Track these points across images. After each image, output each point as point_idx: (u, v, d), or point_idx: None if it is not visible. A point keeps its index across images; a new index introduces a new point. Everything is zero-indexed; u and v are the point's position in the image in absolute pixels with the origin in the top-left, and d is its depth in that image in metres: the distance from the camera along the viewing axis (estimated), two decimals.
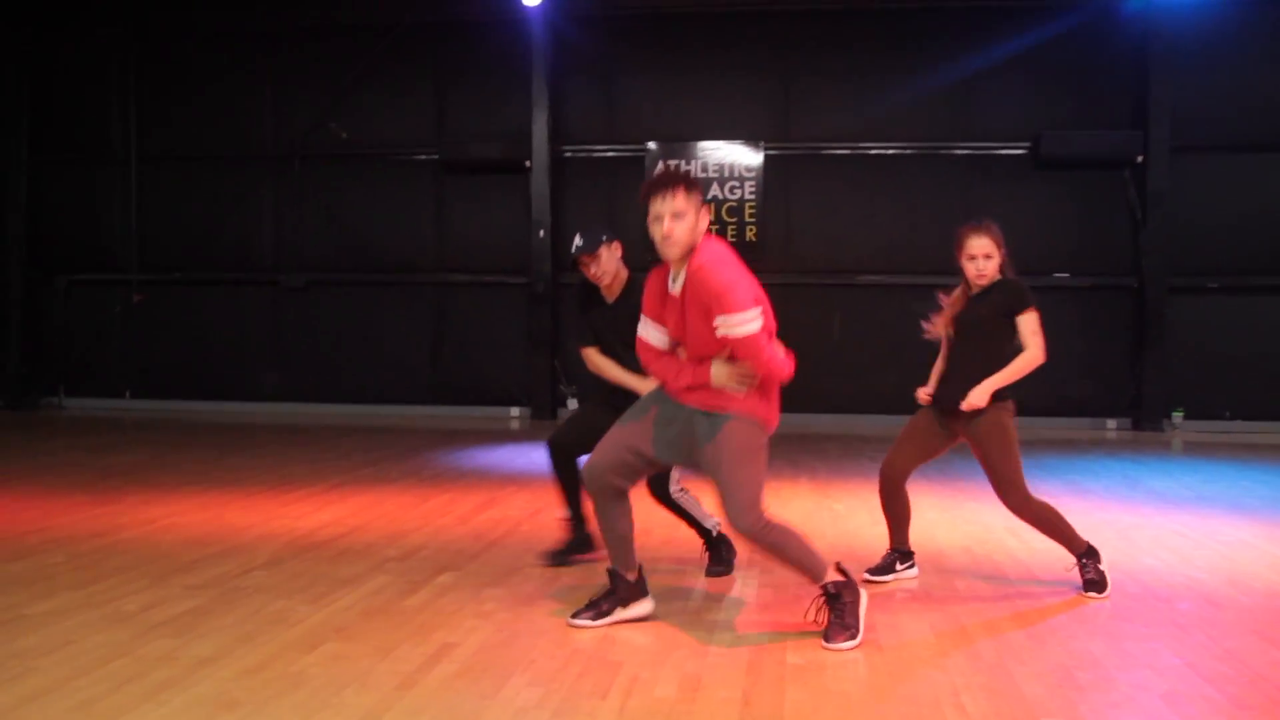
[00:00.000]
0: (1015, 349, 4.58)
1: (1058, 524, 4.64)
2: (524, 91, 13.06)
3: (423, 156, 13.55)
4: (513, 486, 7.51)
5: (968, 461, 7.45)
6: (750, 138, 12.94)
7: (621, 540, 4.10)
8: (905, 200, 12.70)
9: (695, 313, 3.79)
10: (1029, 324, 4.56)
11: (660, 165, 12.76)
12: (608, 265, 4.89)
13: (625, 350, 4.72)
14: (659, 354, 4.02)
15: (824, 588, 3.92)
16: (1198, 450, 10.51)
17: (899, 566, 4.92)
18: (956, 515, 6.57)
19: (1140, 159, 12.20)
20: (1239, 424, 12.25)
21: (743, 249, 12.63)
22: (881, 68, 12.85)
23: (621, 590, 4.12)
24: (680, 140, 13.03)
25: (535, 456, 9.02)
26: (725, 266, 3.75)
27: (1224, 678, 3.56)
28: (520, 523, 6.22)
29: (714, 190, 12.87)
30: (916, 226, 12.50)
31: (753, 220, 12.89)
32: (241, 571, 4.93)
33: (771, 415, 3.94)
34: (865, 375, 12.45)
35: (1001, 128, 12.64)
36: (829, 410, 12.27)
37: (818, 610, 3.97)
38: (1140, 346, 12.25)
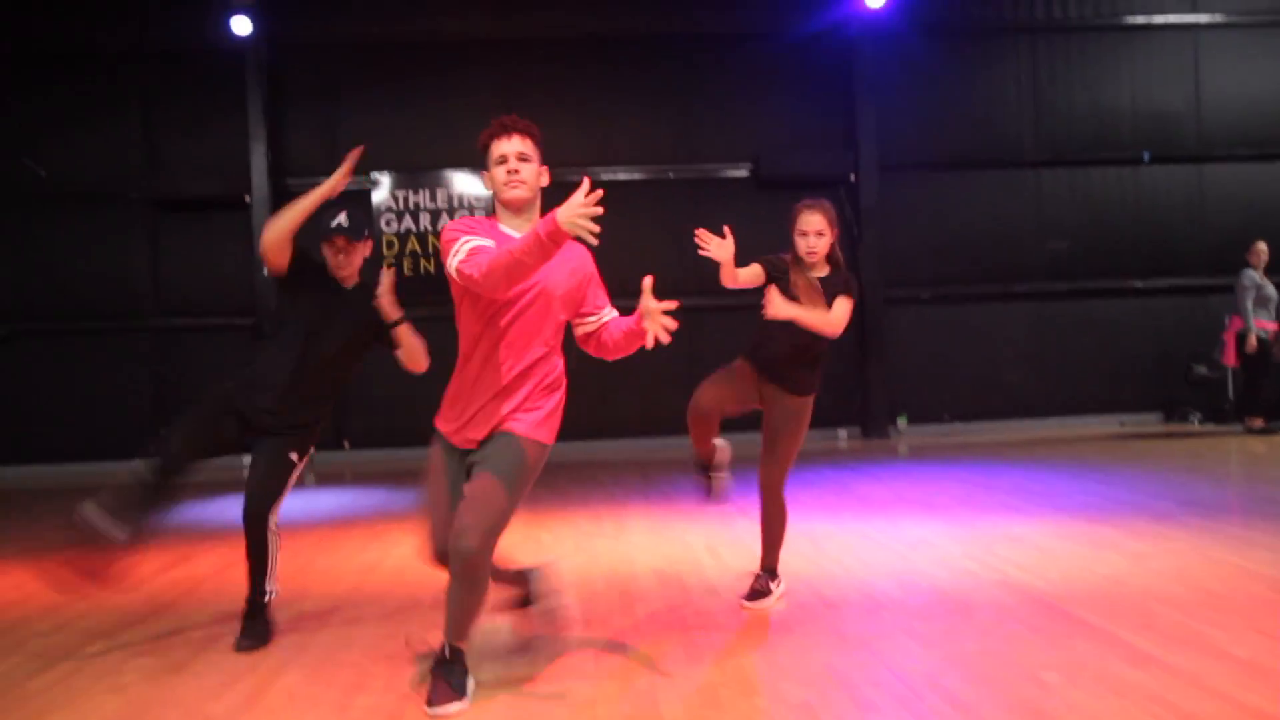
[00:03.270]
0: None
1: (779, 530, 4.73)
2: (241, 123, 12.48)
3: (134, 194, 12.72)
4: (212, 540, 7.05)
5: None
6: (478, 166, 12.75)
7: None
8: (635, 223, 12.85)
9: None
10: (843, 306, 4.58)
11: (388, 199, 12.46)
12: (357, 260, 4.58)
13: (313, 340, 4.45)
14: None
15: (449, 650, 3.54)
16: (919, 454, 11.04)
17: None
18: (660, 536, 6.59)
19: (853, 177, 12.82)
20: (957, 425, 13.00)
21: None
22: (605, 94, 12.99)
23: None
24: (409, 170, 12.77)
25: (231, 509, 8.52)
26: None
27: (865, 682, 3.63)
28: (203, 580, 5.83)
29: (443, 220, 12.66)
30: (648, 249, 12.65)
31: None
32: None
33: (552, 435, 3.75)
34: (609, 398, 12.48)
35: (723, 151, 13.00)
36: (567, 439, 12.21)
37: (433, 668, 3.58)
38: (863, 357, 12.82)
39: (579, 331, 3.84)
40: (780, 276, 4.67)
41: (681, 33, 12.92)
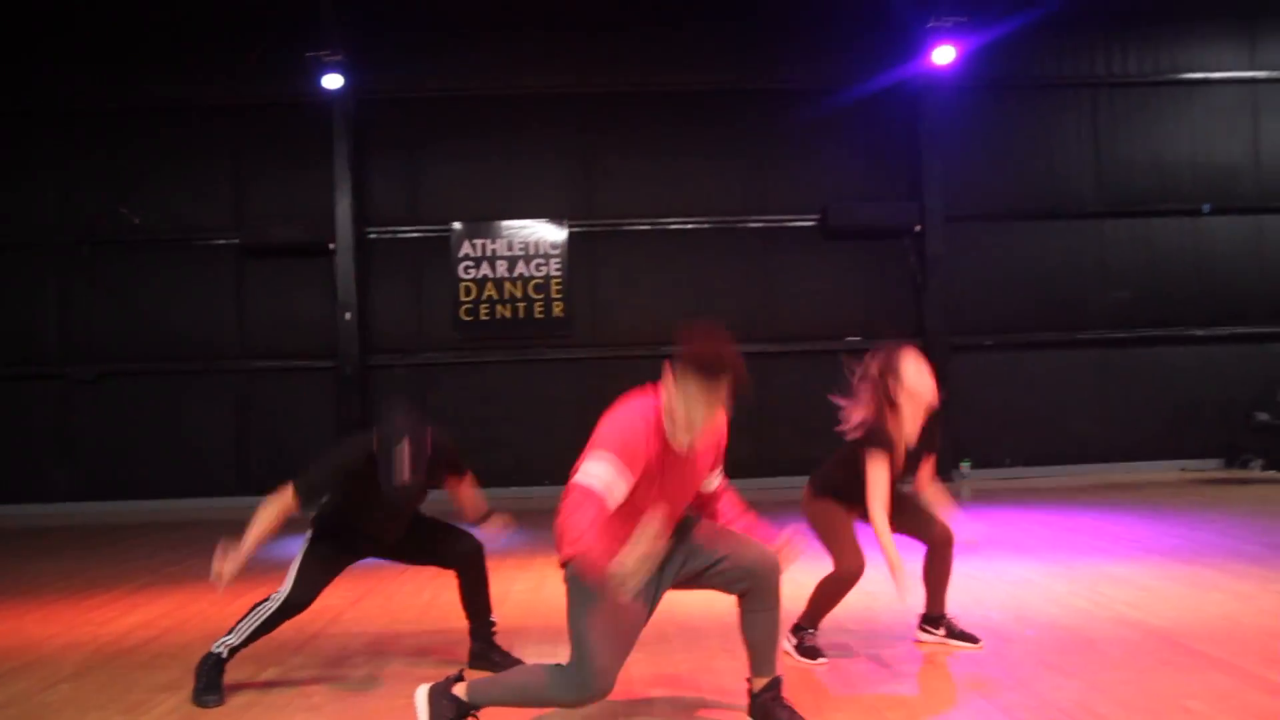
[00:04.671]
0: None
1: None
2: (326, 174, 13.01)
3: (222, 241, 13.24)
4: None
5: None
6: (554, 215, 13.24)
7: None
8: (704, 272, 13.23)
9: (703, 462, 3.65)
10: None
11: (465, 247, 12.93)
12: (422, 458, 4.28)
13: (381, 519, 4.52)
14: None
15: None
16: (984, 497, 11.25)
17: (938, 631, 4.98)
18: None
19: (918, 227, 13.16)
20: (1019, 470, 13.21)
21: (550, 325, 13.06)
22: (677, 146, 13.42)
23: None
24: (485, 219, 13.21)
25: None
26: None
27: (1018, 708, 3.89)
28: (342, 612, 6.14)
29: (520, 268, 13.08)
30: (716, 296, 13.03)
31: (559, 296, 13.13)
32: (47, 685, 4.69)
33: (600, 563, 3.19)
34: None
35: (791, 201, 13.38)
36: None
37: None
38: None
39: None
40: (883, 440, 4.60)
41: (752, 88, 13.36)
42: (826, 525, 4.75)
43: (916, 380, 4.59)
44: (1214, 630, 4.92)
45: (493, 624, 4.80)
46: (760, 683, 3.72)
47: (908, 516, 4.82)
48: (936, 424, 4.77)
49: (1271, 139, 13.62)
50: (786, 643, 4.70)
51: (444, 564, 4.75)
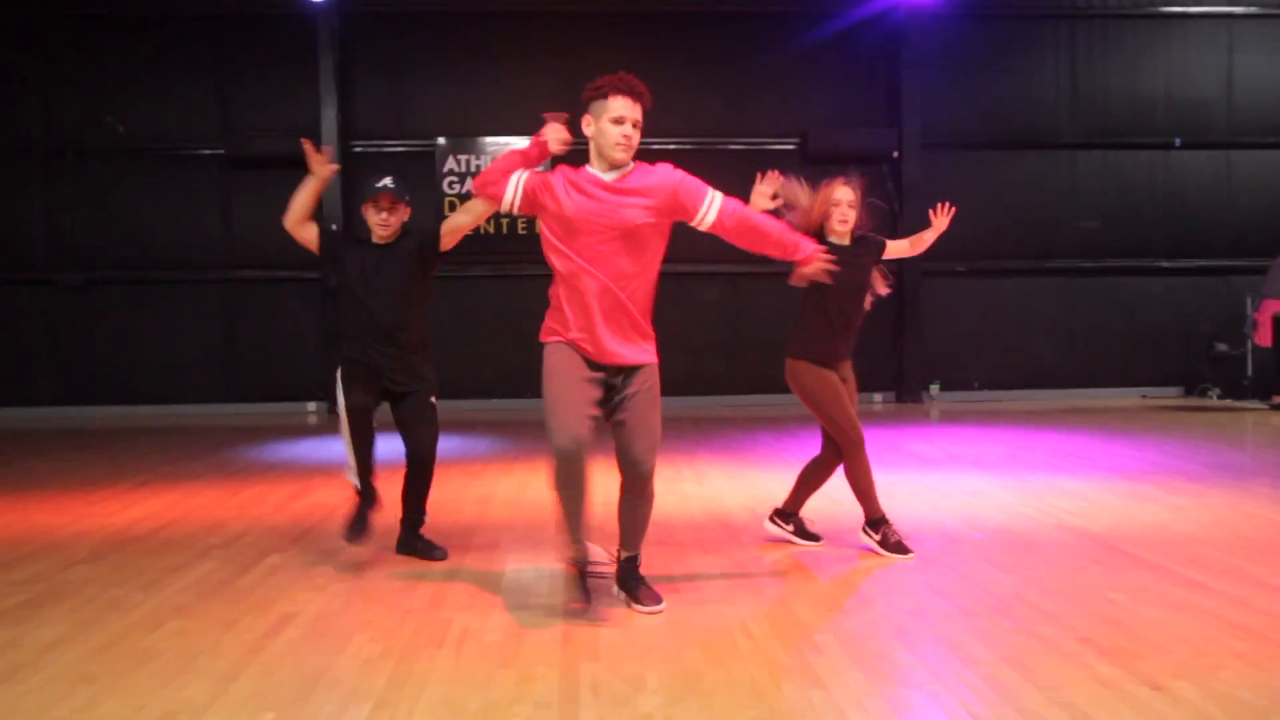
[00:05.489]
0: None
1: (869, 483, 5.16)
2: (312, 86, 13.08)
3: (207, 151, 13.34)
4: (321, 477, 7.71)
5: (748, 436, 8.22)
6: (537, 132, 13.34)
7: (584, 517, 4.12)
8: None
9: (636, 209, 4.03)
10: (896, 246, 5.22)
11: (450, 162, 13.08)
12: (397, 221, 5.02)
13: (369, 294, 4.95)
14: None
15: (636, 559, 4.26)
16: (952, 418, 11.69)
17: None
18: (740, 483, 7.26)
19: (896, 154, 13.40)
20: (987, 393, 13.65)
21: (531, 241, 13.25)
22: (660, 67, 13.47)
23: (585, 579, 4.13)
24: (470, 135, 13.35)
25: (337, 449, 9.20)
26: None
27: (958, 593, 4.30)
28: (336, 509, 6.44)
29: None
30: None
31: None
32: (64, 566, 5.04)
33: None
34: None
35: (772, 126, 13.57)
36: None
37: (618, 587, 4.31)
38: (900, 326, 13.46)
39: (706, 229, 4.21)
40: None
41: (735, 11, 13.46)
42: (819, 395, 5.03)
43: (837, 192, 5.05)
44: (1146, 536, 5.34)
45: (423, 518, 5.20)
46: (625, 554, 4.26)
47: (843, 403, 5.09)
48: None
49: (1244, 74, 13.86)
50: (870, 541, 5.08)
51: (406, 448, 5.09)
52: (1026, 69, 13.77)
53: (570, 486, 3.97)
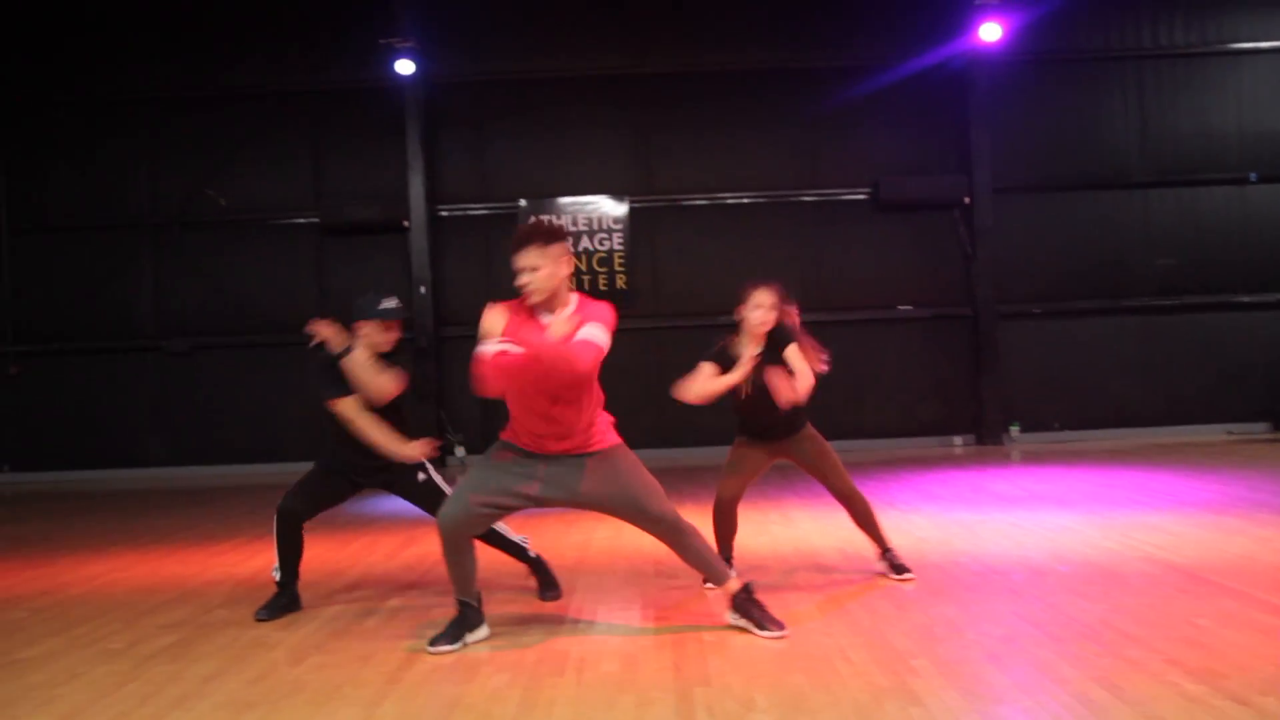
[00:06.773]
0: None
1: (874, 516, 5.57)
2: (399, 155, 13.74)
3: (302, 220, 14.04)
4: (425, 527, 8.06)
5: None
6: (615, 191, 13.86)
7: (471, 574, 4.61)
8: (759, 244, 13.80)
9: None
10: (794, 352, 5.30)
11: (530, 219, 13.56)
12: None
13: (387, 408, 5.24)
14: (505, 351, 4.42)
15: (744, 586, 4.65)
16: (1033, 459, 11.76)
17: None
18: (826, 524, 7.49)
19: (967, 200, 13.62)
20: (1067, 434, 13.68)
21: (613, 297, 13.69)
22: (730, 123, 13.97)
23: (471, 617, 4.60)
24: (549, 196, 13.87)
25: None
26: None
27: (1046, 621, 4.50)
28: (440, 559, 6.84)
29: (584, 242, 13.73)
30: (771, 268, 13.48)
31: (622, 269, 13.78)
32: (205, 610, 5.46)
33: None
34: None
35: (844, 175, 13.89)
36: (702, 444, 13.16)
37: (736, 613, 4.63)
38: (978, 369, 13.58)
39: None
40: (724, 358, 5.38)
41: (805, 67, 13.87)
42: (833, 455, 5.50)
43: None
44: (1231, 566, 5.47)
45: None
46: (735, 585, 4.64)
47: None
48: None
49: None
50: (884, 565, 5.54)
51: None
52: (1094, 110, 13.94)
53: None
